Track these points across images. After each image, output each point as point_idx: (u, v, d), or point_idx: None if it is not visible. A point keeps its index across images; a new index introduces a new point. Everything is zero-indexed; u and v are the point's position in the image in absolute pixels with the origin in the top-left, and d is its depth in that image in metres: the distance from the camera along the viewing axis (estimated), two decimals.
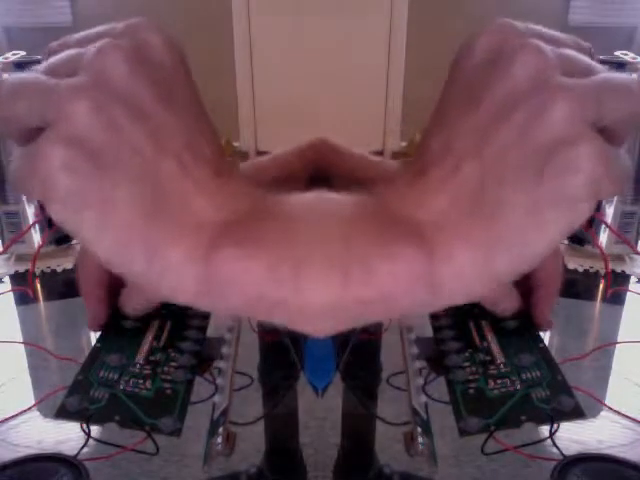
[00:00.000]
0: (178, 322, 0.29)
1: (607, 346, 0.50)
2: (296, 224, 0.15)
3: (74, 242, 0.68)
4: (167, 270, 0.14)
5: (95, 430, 0.23)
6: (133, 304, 0.27)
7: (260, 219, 0.15)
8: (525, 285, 0.29)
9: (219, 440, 0.23)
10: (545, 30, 0.17)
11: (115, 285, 0.28)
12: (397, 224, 0.15)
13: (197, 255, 0.14)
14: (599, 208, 0.63)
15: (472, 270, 0.14)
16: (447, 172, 0.15)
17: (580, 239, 0.66)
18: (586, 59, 0.16)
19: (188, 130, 0.16)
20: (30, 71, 0.16)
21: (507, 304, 0.27)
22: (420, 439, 0.23)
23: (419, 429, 0.24)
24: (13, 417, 0.40)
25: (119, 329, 0.28)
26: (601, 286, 0.61)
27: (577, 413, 0.23)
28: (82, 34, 0.17)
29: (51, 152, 0.14)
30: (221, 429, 0.24)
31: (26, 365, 0.48)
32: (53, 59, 0.16)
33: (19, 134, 0.16)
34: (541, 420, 0.23)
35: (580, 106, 0.14)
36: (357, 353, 0.35)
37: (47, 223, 0.65)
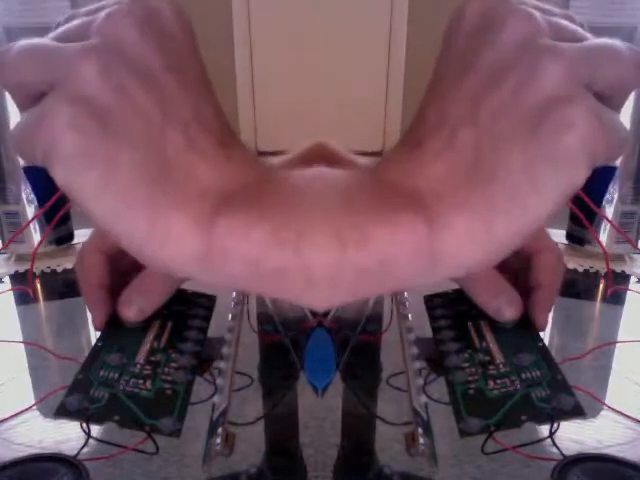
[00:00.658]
0: (179, 323, 0.29)
1: (607, 345, 0.50)
2: (297, 193, 0.15)
3: (74, 242, 0.68)
4: (169, 236, 0.14)
5: (95, 430, 0.23)
6: (133, 309, 0.27)
7: (263, 189, 0.15)
8: (525, 285, 0.29)
9: (218, 440, 0.23)
10: (535, 1, 0.17)
11: (116, 285, 0.28)
12: (396, 193, 0.15)
13: (200, 221, 0.14)
14: (600, 206, 0.63)
15: (472, 236, 0.14)
16: (443, 141, 0.15)
17: (580, 239, 0.66)
18: (577, 27, 0.16)
19: (195, 100, 0.16)
20: (40, 38, 0.16)
21: (511, 311, 0.27)
22: (421, 440, 0.23)
23: (420, 430, 0.24)
24: (13, 416, 0.40)
25: (120, 329, 0.28)
26: (601, 286, 0.61)
27: (578, 412, 0.23)
28: (92, 6, 0.17)
29: (58, 111, 0.14)
30: (220, 429, 0.24)
31: (26, 365, 0.48)
32: (61, 28, 0.16)
33: (26, 99, 0.16)
34: (542, 420, 0.23)
35: (571, 67, 0.14)
36: (357, 353, 0.35)
37: (46, 222, 0.65)
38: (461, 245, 0.14)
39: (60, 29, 0.16)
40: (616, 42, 0.15)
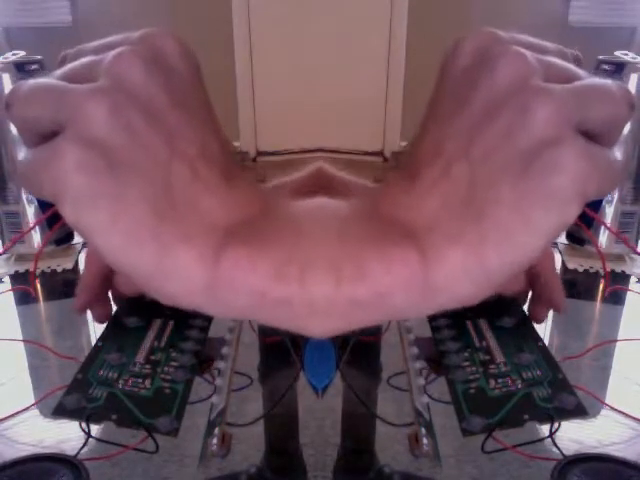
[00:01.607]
0: (181, 322, 0.29)
1: (606, 343, 0.50)
2: (298, 225, 0.16)
3: (74, 242, 0.68)
4: (175, 270, 0.14)
5: (95, 429, 0.23)
6: (129, 283, 0.27)
7: (266, 221, 0.16)
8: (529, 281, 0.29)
9: (215, 441, 0.23)
10: (529, 38, 0.17)
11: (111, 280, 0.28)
12: (390, 226, 0.15)
13: (206, 255, 0.14)
14: (599, 208, 0.63)
15: (464, 270, 0.14)
16: (437, 175, 0.16)
17: (580, 239, 0.66)
18: (568, 65, 0.17)
19: (201, 135, 0.17)
20: (46, 76, 0.16)
21: (513, 285, 0.28)
22: (424, 440, 0.23)
23: (423, 430, 0.24)
24: (13, 416, 0.40)
25: (121, 328, 0.28)
26: (601, 286, 0.61)
27: (580, 411, 0.23)
28: (97, 42, 0.17)
29: (66, 151, 0.14)
30: (217, 430, 0.24)
31: (26, 364, 0.48)
32: (69, 66, 0.17)
33: (33, 136, 0.16)
34: (544, 419, 0.23)
35: (561, 108, 0.15)
36: (357, 353, 0.35)
37: (47, 224, 0.65)
38: (454, 278, 0.14)
39: (67, 67, 0.17)
40: (606, 81, 0.16)
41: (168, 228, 0.14)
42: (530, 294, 0.30)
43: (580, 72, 0.16)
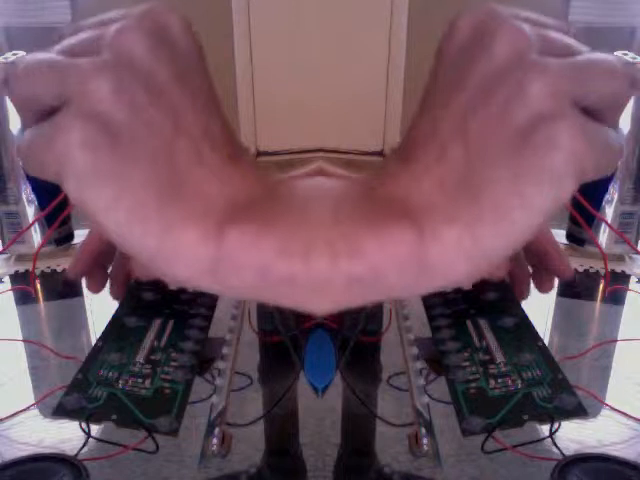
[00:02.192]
0: (181, 322, 0.29)
1: (606, 343, 0.50)
2: (298, 204, 0.16)
3: (74, 242, 0.68)
4: (179, 248, 0.14)
5: (95, 429, 0.23)
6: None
7: (268, 200, 0.16)
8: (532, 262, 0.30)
9: (214, 441, 0.23)
10: (528, 13, 0.17)
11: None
12: (387, 205, 0.15)
13: (209, 233, 0.14)
14: (599, 208, 0.63)
15: (460, 249, 0.14)
16: (434, 154, 0.16)
17: (580, 239, 0.66)
18: (569, 40, 0.16)
19: (204, 115, 0.16)
20: (44, 52, 0.16)
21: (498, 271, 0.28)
22: (425, 440, 0.23)
23: (423, 430, 0.24)
24: (13, 416, 0.40)
25: (122, 328, 0.28)
26: (601, 286, 0.61)
27: (580, 412, 0.23)
28: (97, 18, 0.17)
29: (71, 127, 0.14)
30: (217, 430, 0.24)
31: (26, 364, 0.48)
32: (69, 40, 0.16)
33: (33, 114, 0.16)
34: (544, 419, 0.23)
35: (557, 83, 0.14)
36: (357, 353, 0.35)
37: (47, 224, 0.64)
38: (450, 257, 0.14)
39: (66, 42, 0.16)
40: (608, 56, 0.16)
41: (172, 207, 0.14)
42: (532, 271, 0.30)
43: (581, 47, 0.16)
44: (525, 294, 0.31)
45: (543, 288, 0.31)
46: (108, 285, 0.31)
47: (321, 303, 0.15)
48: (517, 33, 0.15)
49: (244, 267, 0.14)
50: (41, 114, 0.15)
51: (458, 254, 0.14)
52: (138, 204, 0.14)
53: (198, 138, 0.16)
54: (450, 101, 0.16)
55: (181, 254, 0.14)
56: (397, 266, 0.14)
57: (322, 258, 0.14)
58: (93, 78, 0.14)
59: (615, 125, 0.16)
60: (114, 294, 0.31)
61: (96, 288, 0.30)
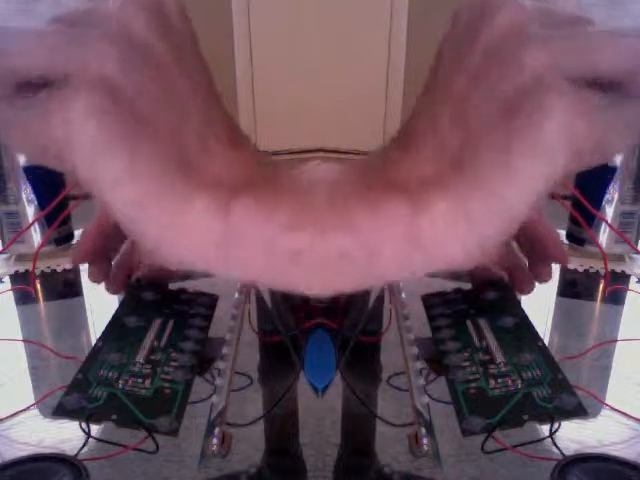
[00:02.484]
0: (180, 321, 0.29)
1: (606, 343, 0.50)
2: (297, 181, 0.16)
3: (74, 242, 0.68)
4: (186, 223, 0.14)
5: (95, 429, 0.23)
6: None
7: (271, 182, 0.16)
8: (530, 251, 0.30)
9: (215, 441, 0.23)
10: None
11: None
12: (383, 185, 0.15)
13: (217, 206, 0.14)
14: (599, 208, 0.63)
15: (452, 224, 0.14)
16: (433, 142, 0.16)
17: (580, 239, 0.66)
18: (576, 14, 0.16)
19: (203, 96, 0.17)
20: (44, 23, 0.16)
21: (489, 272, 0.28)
22: (425, 440, 0.23)
23: (423, 430, 0.24)
24: (13, 416, 0.40)
25: (122, 328, 0.28)
26: (601, 286, 0.61)
27: (580, 412, 0.23)
28: None
29: (77, 98, 0.14)
30: (217, 430, 0.24)
31: (26, 364, 0.48)
32: (64, 12, 0.16)
33: (16, 88, 0.15)
34: (544, 419, 0.23)
35: (556, 55, 0.14)
36: (357, 353, 0.35)
37: (47, 223, 0.64)
38: (442, 232, 0.14)
39: (62, 14, 0.16)
40: (615, 29, 0.15)
41: (180, 183, 0.14)
42: (528, 262, 0.30)
43: (585, 18, 0.16)
44: (526, 287, 0.31)
45: (542, 277, 0.31)
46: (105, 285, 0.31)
47: (316, 283, 0.15)
48: (517, 7, 0.15)
49: (251, 240, 0.14)
50: (24, 88, 0.15)
51: (450, 230, 0.14)
52: (148, 178, 0.14)
53: (200, 122, 0.16)
54: (451, 83, 0.16)
55: (188, 227, 0.14)
56: (390, 242, 0.14)
57: (316, 234, 0.14)
58: (101, 48, 0.14)
59: (629, 103, 0.16)
60: (112, 288, 0.31)
61: (98, 277, 0.30)
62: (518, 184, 0.14)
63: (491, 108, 0.15)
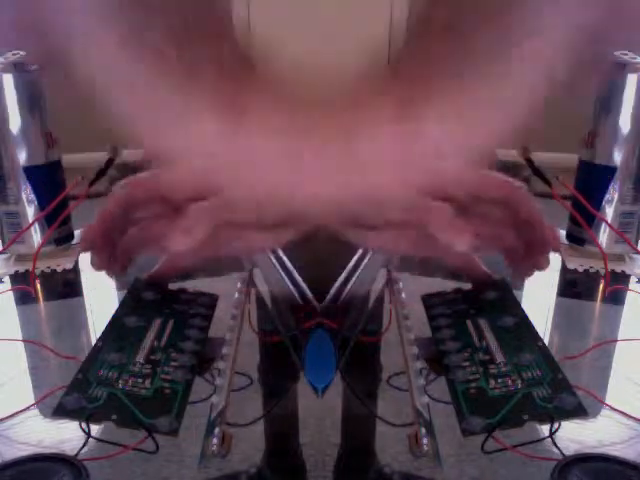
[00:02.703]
0: (180, 321, 0.29)
1: (606, 343, 0.50)
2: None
3: (74, 242, 0.68)
4: (201, 136, 0.15)
5: (95, 429, 0.23)
6: (188, 237, 0.26)
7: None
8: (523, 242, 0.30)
9: (215, 441, 0.23)
10: None
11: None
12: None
13: (223, 100, 0.15)
14: (600, 206, 0.63)
15: (442, 123, 0.15)
16: (431, 58, 0.17)
17: (580, 239, 0.66)
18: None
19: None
20: None
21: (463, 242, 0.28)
22: (424, 440, 0.23)
23: (423, 430, 0.24)
24: (13, 416, 0.40)
25: (121, 328, 0.28)
26: (601, 286, 0.61)
27: (580, 412, 0.23)
28: None
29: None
30: (217, 430, 0.24)
31: (26, 364, 0.48)
32: None
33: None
34: (544, 419, 0.23)
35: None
36: (357, 353, 0.35)
37: (47, 223, 0.64)
38: (434, 128, 0.15)
39: None
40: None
41: (192, 100, 0.15)
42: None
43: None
44: (526, 270, 0.31)
45: (539, 264, 0.31)
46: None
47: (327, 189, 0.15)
48: None
49: (260, 132, 0.15)
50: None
51: (444, 131, 0.15)
52: (162, 105, 0.15)
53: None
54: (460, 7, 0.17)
55: (201, 142, 0.15)
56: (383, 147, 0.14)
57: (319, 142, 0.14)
58: None
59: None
60: (115, 270, 0.30)
61: (102, 264, 0.29)
62: (501, 109, 0.15)
63: (494, 36, 0.15)
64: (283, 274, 0.38)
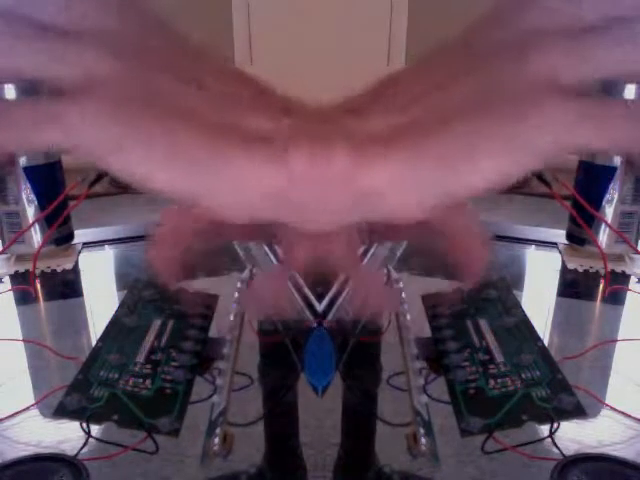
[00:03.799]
0: (181, 321, 0.29)
1: (606, 343, 0.50)
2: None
3: (74, 242, 0.68)
4: (243, 175, 0.14)
5: (95, 429, 0.23)
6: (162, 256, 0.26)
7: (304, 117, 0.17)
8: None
9: (216, 441, 0.23)
10: None
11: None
12: (333, 128, 0.16)
13: (273, 152, 0.14)
14: (600, 206, 0.63)
15: (398, 178, 0.15)
16: (406, 104, 0.16)
17: (580, 239, 0.66)
18: (603, 16, 0.15)
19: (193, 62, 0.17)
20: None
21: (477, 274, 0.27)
22: (423, 440, 0.23)
23: (421, 430, 0.24)
24: (13, 416, 0.40)
25: (122, 328, 0.28)
26: (601, 286, 0.61)
27: (579, 412, 0.23)
28: None
29: (85, 112, 0.14)
30: (218, 430, 0.24)
31: (26, 364, 0.48)
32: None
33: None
34: (543, 419, 0.23)
35: (558, 65, 0.14)
36: (357, 353, 0.35)
37: (47, 223, 0.64)
38: (386, 185, 0.14)
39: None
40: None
41: (222, 140, 0.14)
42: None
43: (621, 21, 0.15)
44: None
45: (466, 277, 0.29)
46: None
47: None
48: (547, 9, 0.15)
49: (320, 181, 0.14)
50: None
51: (395, 183, 0.15)
52: (189, 147, 0.14)
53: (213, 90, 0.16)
54: (453, 55, 0.17)
55: (246, 180, 0.14)
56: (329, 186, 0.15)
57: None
58: (85, 52, 0.14)
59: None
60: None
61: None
62: (475, 166, 0.14)
63: (483, 86, 0.15)
64: None
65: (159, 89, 0.15)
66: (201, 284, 0.33)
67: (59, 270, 0.64)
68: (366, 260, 0.37)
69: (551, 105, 0.14)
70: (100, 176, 0.60)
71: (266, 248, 0.38)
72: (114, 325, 0.28)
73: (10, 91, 0.56)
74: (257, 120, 0.16)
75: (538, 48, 0.15)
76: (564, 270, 0.64)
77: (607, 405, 0.41)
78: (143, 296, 0.31)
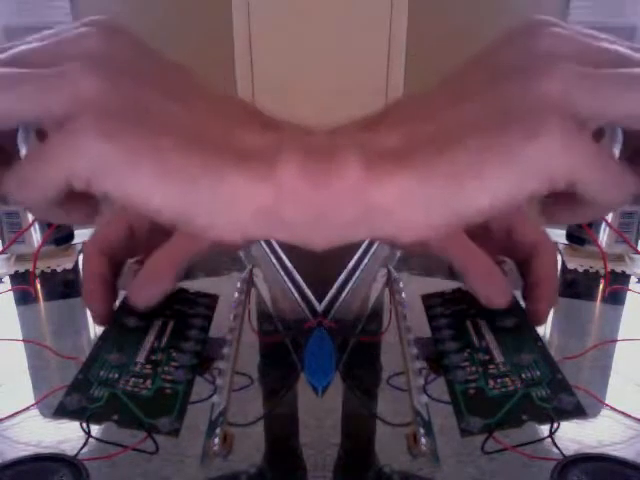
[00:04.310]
0: (181, 322, 0.29)
1: (606, 343, 0.50)
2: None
3: (74, 242, 0.68)
4: (234, 194, 0.14)
5: (95, 429, 0.23)
6: (144, 295, 0.27)
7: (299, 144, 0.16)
8: (524, 282, 0.29)
9: (216, 441, 0.23)
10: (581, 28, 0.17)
11: (114, 282, 0.28)
12: (344, 145, 0.16)
13: (262, 171, 0.14)
14: None
15: (407, 196, 0.15)
16: (416, 122, 0.16)
17: (580, 239, 0.66)
18: (623, 51, 0.16)
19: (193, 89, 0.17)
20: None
21: (501, 298, 0.28)
22: (423, 440, 0.23)
23: (421, 430, 0.24)
24: (13, 416, 0.40)
25: (122, 328, 0.28)
26: (601, 286, 0.61)
27: (579, 412, 0.23)
28: (37, 35, 0.17)
29: (88, 128, 0.14)
30: (218, 430, 0.24)
31: (26, 364, 0.48)
32: (20, 50, 0.16)
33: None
34: (542, 419, 0.23)
35: (568, 89, 0.14)
36: (357, 353, 0.35)
37: (47, 223, 0.64)
38: (395, 201, 0.14)
39: (16, 53, 0.16)
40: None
41: (215, 158, 0.15)
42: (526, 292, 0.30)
43: (634, 58, 0.16)
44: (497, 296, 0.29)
45: (536, 317, 0.30)
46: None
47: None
48: (559, 37, 0.16)
49: (311, 200, 0.14)
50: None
51: (404, 201, 0.15)
52: (180, 167, 0.14)
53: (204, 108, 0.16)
54: (466, 75, 0.17)
55: (237, 199, 0.14)
56: (340, 197, 0.15)
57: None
58: (83, 78, 0.15)
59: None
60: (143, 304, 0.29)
61: (104, 319, 0.29)
62: (483, 184, 0.14)
63: (495, 106, 0.15)
64: (283, 274, 0.38)
65: (147, 107, 0.15)
66: (201, 284, 0.33)
67: (59, 270, 0.64)
68: (366, 260, 0.37)
69: (562, 128, 0.14)
70: None
71: (266, 248, 0.38)
72: (114, 325, 0.28)
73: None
74: (247, 136, 0.16)
75: (551, 70, 0.15)
76: (564, 270, 0.64)
77: (607, 405, 0.41)
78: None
